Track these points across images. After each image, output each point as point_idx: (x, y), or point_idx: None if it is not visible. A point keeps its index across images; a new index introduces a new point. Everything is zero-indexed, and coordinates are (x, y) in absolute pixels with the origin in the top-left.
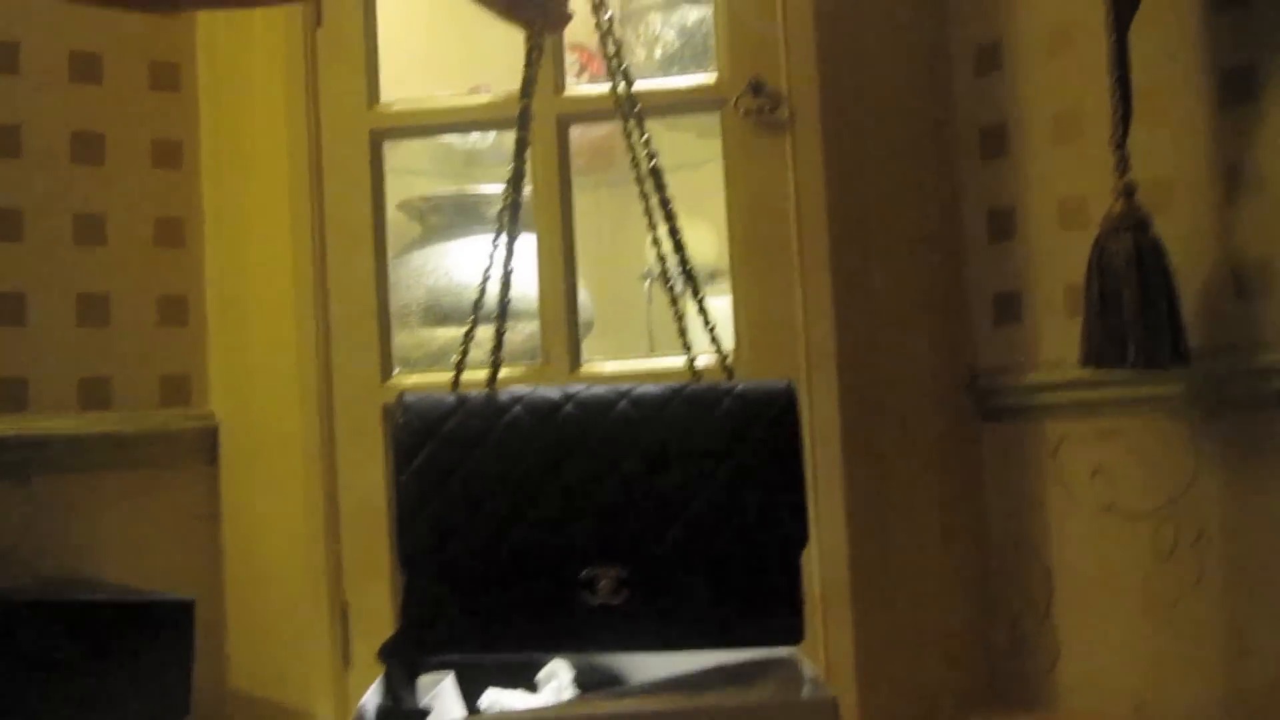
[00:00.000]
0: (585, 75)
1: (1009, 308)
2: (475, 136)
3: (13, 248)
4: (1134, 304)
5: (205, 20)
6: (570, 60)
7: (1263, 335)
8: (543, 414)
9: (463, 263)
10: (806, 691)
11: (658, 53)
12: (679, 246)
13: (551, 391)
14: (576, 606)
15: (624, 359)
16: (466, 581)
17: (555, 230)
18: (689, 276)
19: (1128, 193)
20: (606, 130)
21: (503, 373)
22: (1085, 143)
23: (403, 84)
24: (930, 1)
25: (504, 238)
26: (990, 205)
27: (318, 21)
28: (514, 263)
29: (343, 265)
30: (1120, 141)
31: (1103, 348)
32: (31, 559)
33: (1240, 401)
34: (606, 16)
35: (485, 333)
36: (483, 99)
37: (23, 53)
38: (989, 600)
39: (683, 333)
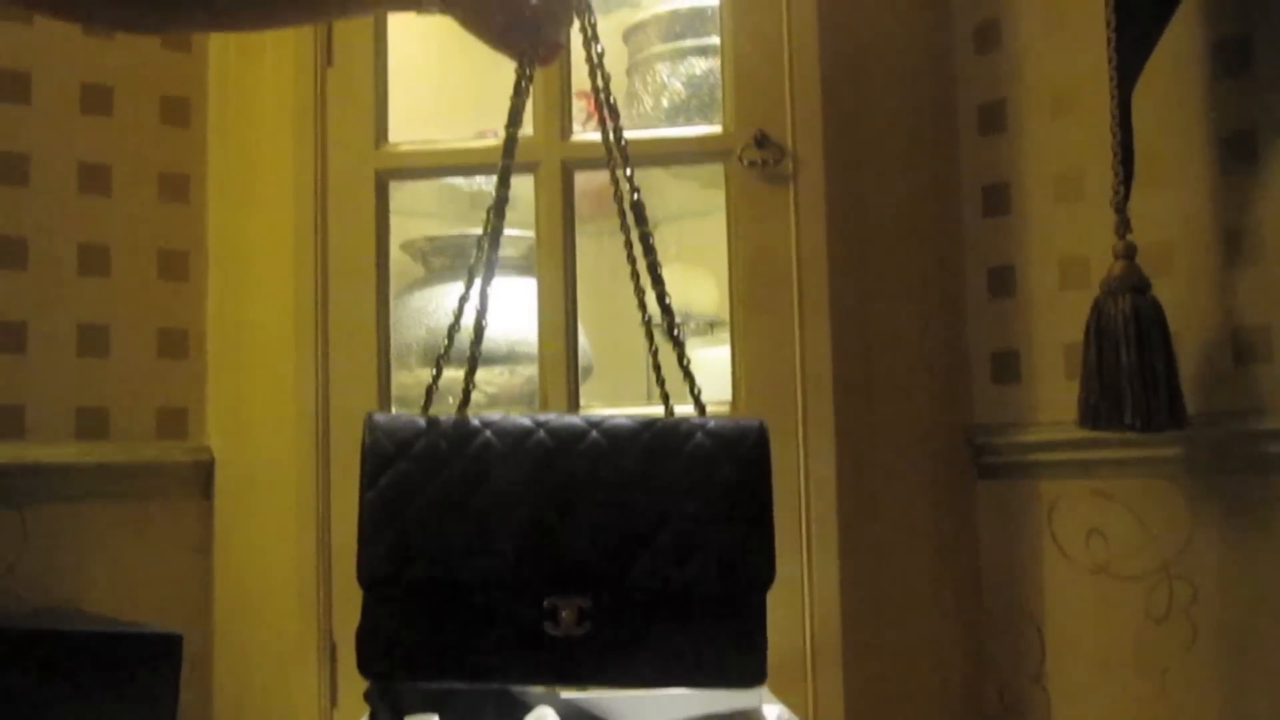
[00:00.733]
0: (591, 123)
1: (1007, 366)
2: (480, 179)
3: (16, 276)
4: (1132, 366)
5: (217, 57)
6: (577, 107)
7: (1260, 400)
8: (513, 440)
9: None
10: None
11: (664, 102)
12: (657, 280)
13: (523, 419)
14: (539, 637)
15: (622, 405)
16: (426, 607)
17: (557, 275)
18: (665, 310)
19: (1128, 254)
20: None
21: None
22: (1087, 204)
23: (410, 125)
24: (936, 59)
25: (480, 267)
26: (991, 263)
27: (328, 61)
28: (490, 285)
29: (344, 303)
30: (1121, 203)
31: (1100, 409)
32: (22, 589)
33: (1236, 465)
34: (597, 50)
35: (484, 373)
36: (489, 143)
37: (34, 83)
38: (981, 659)
39: (657, 368)
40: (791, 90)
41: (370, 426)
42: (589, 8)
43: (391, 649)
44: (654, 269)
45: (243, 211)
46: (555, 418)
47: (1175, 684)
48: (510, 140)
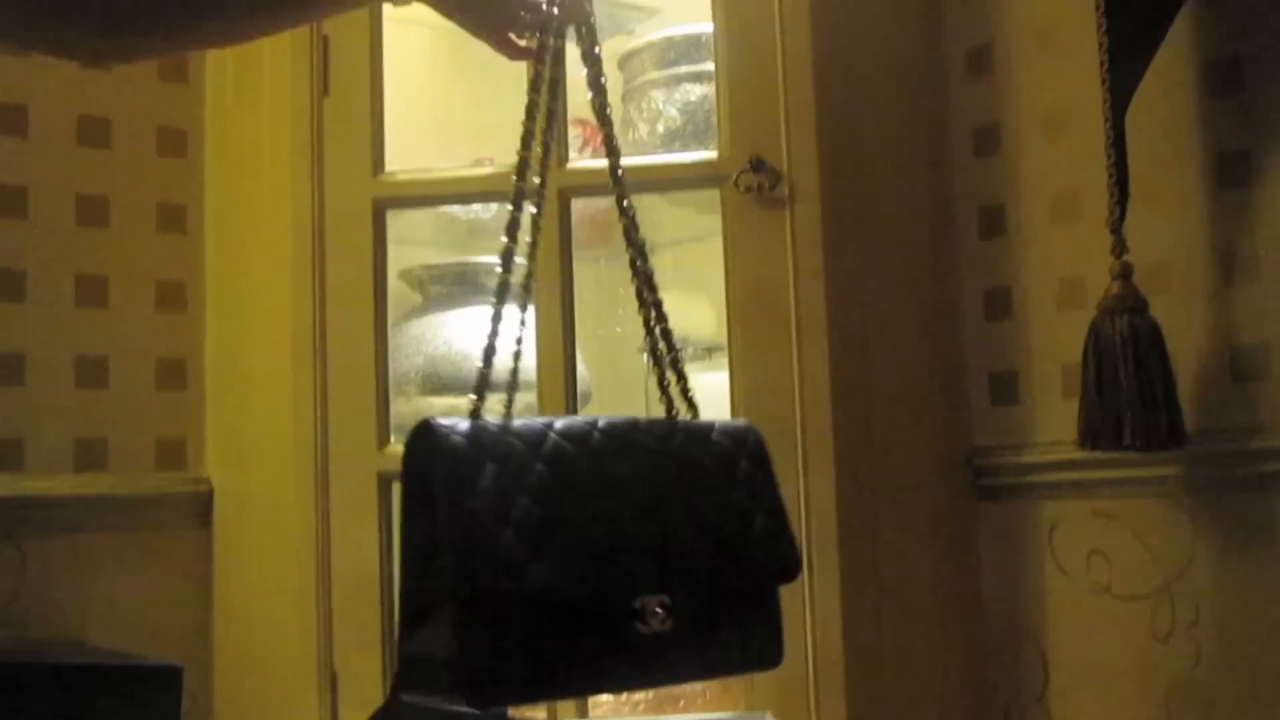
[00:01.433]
0: (588, 150)
1: (1006, 387)
2: (478, 207)
3: (14, 308)
4: (1130, 386)
5: (214, 88)
6: (573, 135)
7: (1259, 418)
8: (578, 440)
9: (463, 332)
10: None
11: (660, 129)
12: (651, 288)
13: (576, 419)
14: (627, 638)
15: None
16: (534, 618)
17: (555, 302)
18: (660, 315)
19: (1125, 274)
20: (608, 205)
21: None
22: (1083, 224)
23: (407, 154)
24: (930, 83)
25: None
26: (988, 285)
27: (324, 91)
28: (522, 307)
29: (343, 333)
30: (1117, 224)
31: (1099, 429)
32: (21, 620)
33: (1237, 484)
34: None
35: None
36: (486, 171)
37: (32, 115)
38: (984, 681)
39: (663, 389)
40: (786, 115)
41: (434, 424)
42: (591, 27)
43: (503, 669)
44: (654, 293)
45: (241, 241)
46: (600, 418)
47: (1179, 705)
48: (522, 163)
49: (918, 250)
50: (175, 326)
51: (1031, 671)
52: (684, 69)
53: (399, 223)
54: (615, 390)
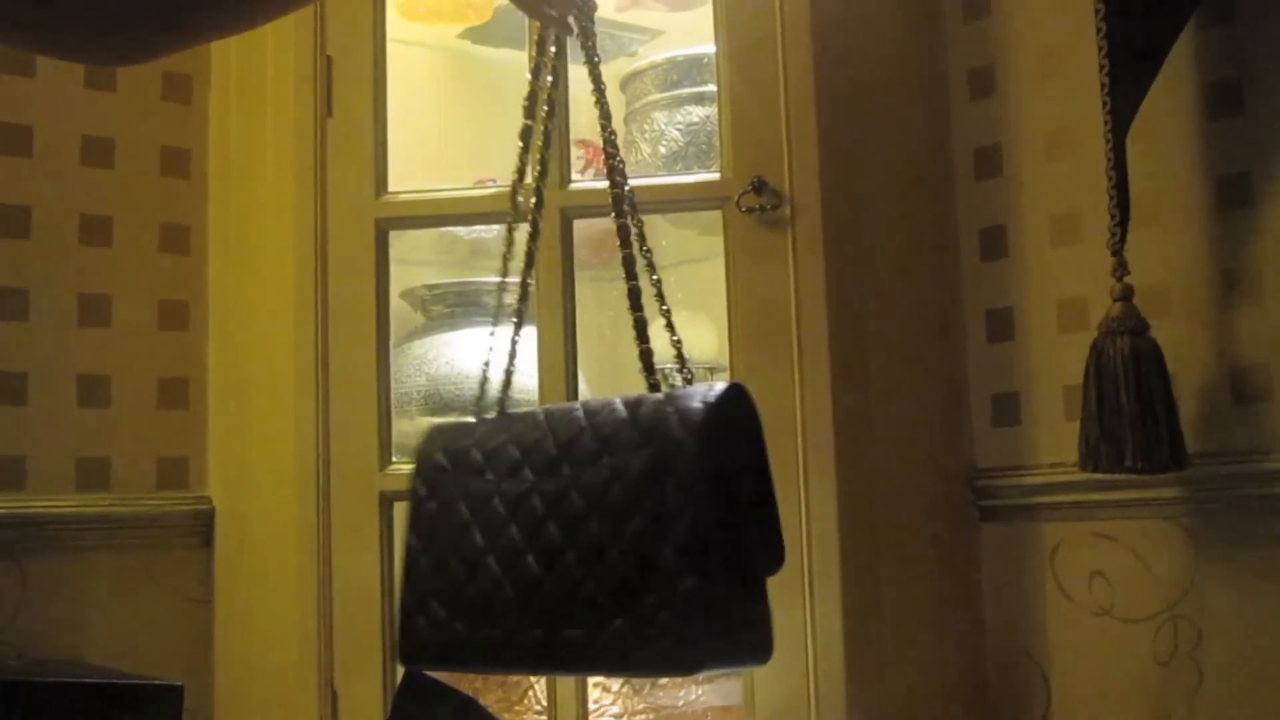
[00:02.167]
0: (590, 171)
1: (1008, 408)
2: (480, 228)
3: (18, 326)
4: (1132, 407)
5: (217, 108)
6: (575, 155)
7: (1260, 440)
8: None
9: (464, 352)
10: None
11: (662, 150)
12: (636, 305)
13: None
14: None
15: None
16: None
17: (557, 322)
18: (642, 334)
19: (1125, 296)
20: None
21: None
22: (1084, 246)
23: (410, 175)
24: (931, 104)
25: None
26: (990, 306)
27: (328, 112)
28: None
29: (345, 352)
30: (1118, 245)
31: (1100, 451)
32: (21, 639)
33: (1238, 505)
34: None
35: None
36: (488, 192)
37: (36, 136)
38: (985, 703)
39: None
40: (788, 137)
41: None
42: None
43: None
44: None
45: (243, 262)
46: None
47: None
48: (516, 185)
49: (919, 271)
50: (177, 346)
51: (1034, 694)
52: (686, 90)
53: (401, 243)
54: None
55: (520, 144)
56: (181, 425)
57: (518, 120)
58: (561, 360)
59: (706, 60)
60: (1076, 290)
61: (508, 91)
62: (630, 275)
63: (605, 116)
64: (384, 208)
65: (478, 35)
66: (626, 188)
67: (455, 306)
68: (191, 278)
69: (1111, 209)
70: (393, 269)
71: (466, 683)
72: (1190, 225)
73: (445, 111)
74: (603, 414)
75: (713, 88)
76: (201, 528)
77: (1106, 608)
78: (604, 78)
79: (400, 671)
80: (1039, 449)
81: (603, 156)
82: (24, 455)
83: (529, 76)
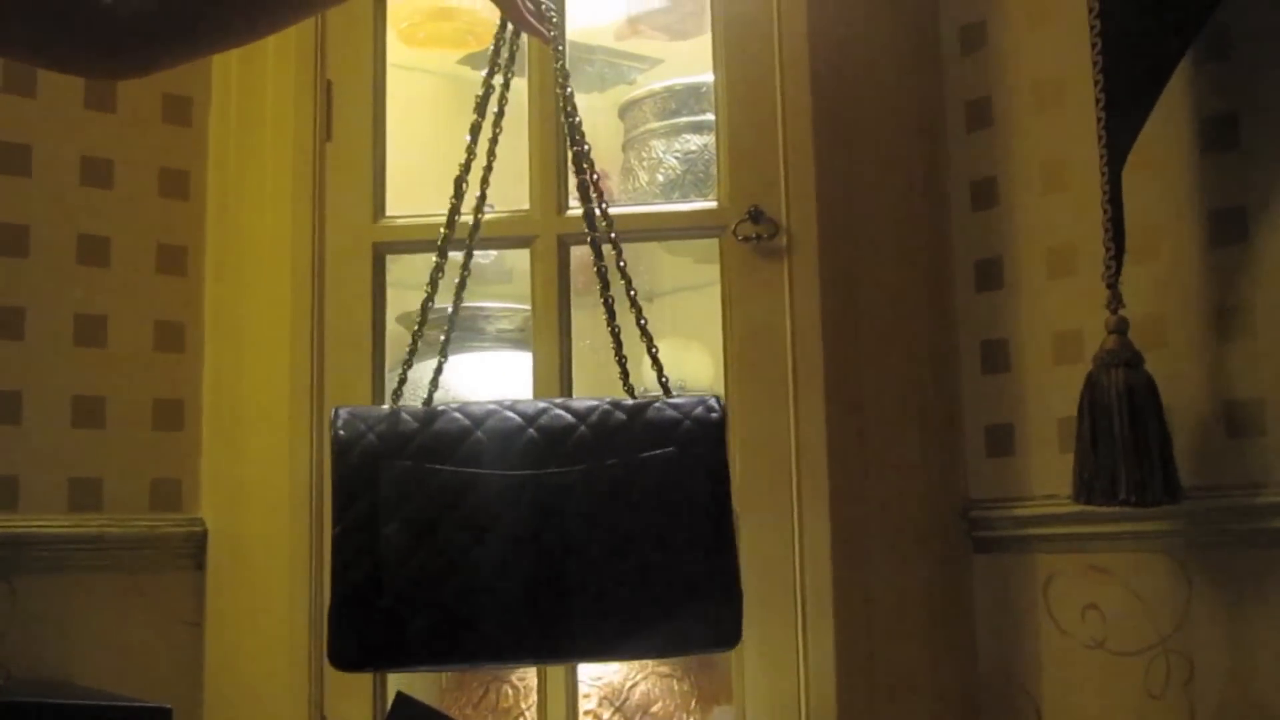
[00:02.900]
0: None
1: (1002, 440)
2: (477, 253)
3: (12, 346)
4: (1126, 440)
5: (217, 130)
6: (573, 182)
7: (1255, 474)
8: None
9: (460, 376)
10: None
11: (660, 178)
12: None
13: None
14: None
15: None
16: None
17: (553, 348)
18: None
19: (1120, 329)
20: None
21: None
22: (1079, 278)
23: (408, 199)
24: (928, 135)
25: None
26: (984, 337)
27: (327, 136)
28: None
29: (340, 376)
30: (1113, 278)
31: (1094, 483)
32: (11, 660)
33: (1232, 540)
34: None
35: None
36: (486, 216)
37: (35, 155)
38: None
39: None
40: (785, 166)
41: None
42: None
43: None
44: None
45: (240, 284)
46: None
47: None
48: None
49: (915, 302)
50: (173, 367)
51: None
52: (684, 119)
53: (398, 267)
54: None
55: (469, 138)
56: (175, 447)
57: (516, 147)
58: (557, 385)
59: (705, 89)
60: (1071, 322)
61: (508, 118)
62: (605, 288)
63: (570, 111)
64: (382, 232)
65: (478, 61)
66: (603, 206)
67: (452, 331)
68: (188, 299)
69: (1107, 242)
70: (389, 292)
71: (458, 709)
72: (1185, 259)
73: (444, 137)
74: (595, 414)
75: (711, 117)
76: (194, 549)
77: (1099, 640)
78: (603, 106)
79: (391, 695)
80: (1033, 480)
81: (605, 180)
82: (16, 475)
83: (484, 73)
